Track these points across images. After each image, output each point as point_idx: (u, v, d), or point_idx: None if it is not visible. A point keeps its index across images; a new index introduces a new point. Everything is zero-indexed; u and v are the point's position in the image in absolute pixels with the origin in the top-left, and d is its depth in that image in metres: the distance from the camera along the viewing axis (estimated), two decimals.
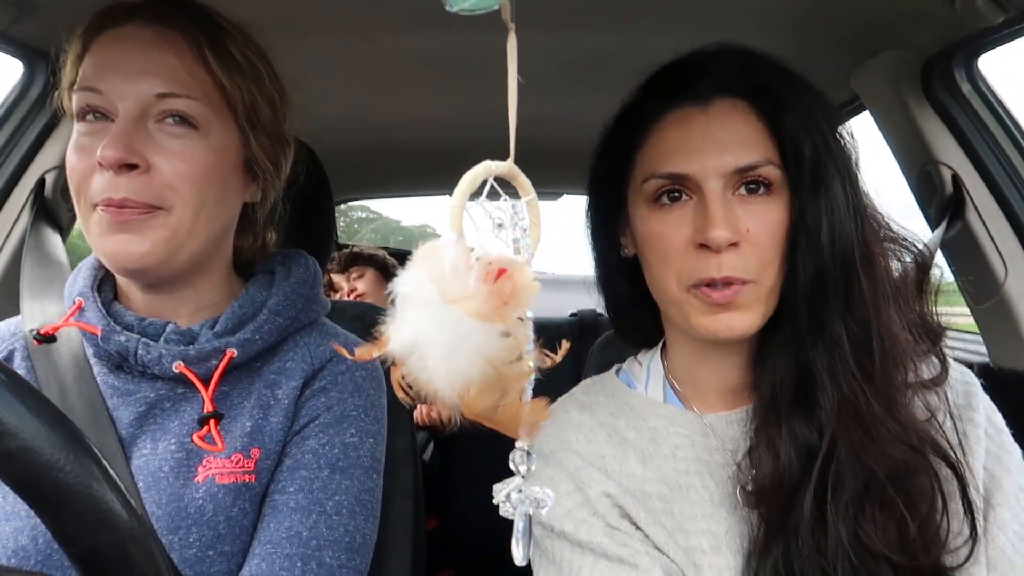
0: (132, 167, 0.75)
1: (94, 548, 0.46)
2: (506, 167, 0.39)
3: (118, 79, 0.77)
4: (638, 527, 0.75)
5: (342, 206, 3.42)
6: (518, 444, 0.39)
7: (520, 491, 0.40)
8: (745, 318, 0.72)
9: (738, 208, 0.72)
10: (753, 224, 0.72)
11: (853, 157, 0.76)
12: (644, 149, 0.78)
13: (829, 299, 0.71)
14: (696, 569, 0.73)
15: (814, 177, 0.72)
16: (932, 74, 1.23)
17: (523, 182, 0.40)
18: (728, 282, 0.71)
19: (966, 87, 1.23)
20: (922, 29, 1.15)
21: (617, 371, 0.90)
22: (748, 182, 0.73)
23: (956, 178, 1.24)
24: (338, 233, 2.90)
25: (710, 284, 0.71)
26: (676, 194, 0.75)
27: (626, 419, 0.82)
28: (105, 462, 0.48)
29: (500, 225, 0.38)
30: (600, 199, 0.87)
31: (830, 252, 0.71)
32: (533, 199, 0.40)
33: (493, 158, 0.38)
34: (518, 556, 0.40)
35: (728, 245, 0.70)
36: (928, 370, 0.77)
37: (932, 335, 0.78)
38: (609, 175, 0.83)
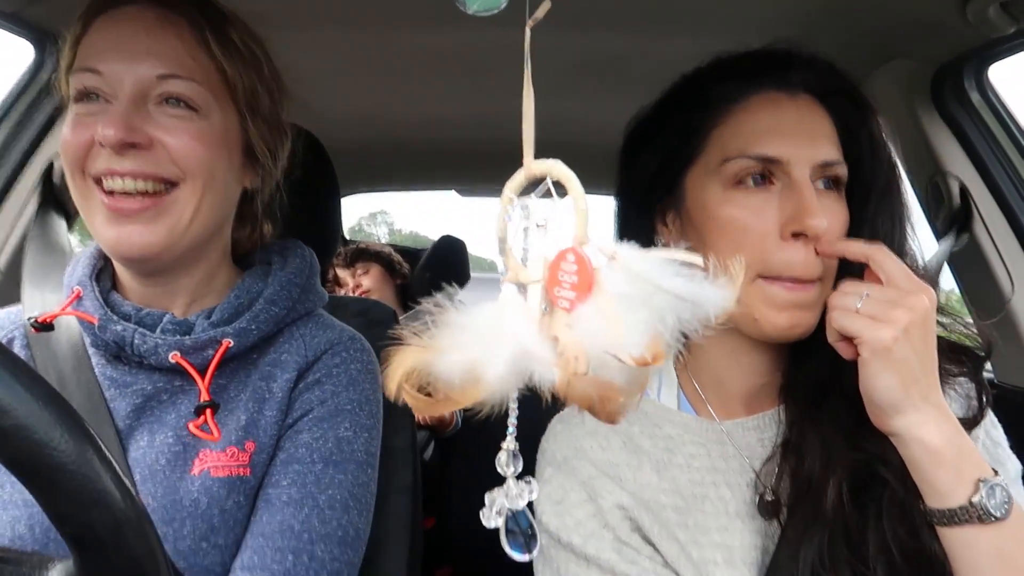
0: (134, 146, 0.75)
1: (88, 527, 0.46)
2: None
3: (118, 60, 0.76)
4: (649, 541, 0.74)
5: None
6: (504, 445, 0.39)
7: (507, 495, 0.39)
8: (809, 317, 0.72)
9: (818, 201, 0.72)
10: (829, 220, 0.71)
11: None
12: (723, 128, 0.76)
13: None
14: None
15: (885, 191, 0.75)
16: (943, 84, 1.23)
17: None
18: (808, 280, 0.71)
19: (976, 97, 1.22)
20: (933, 39, 1.15)
21: None
22: (827, 177, 0.73)
23: (964, 190, 1.23)
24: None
25: (792, 279, 0.71)
26: (760, 178, 0.73)
27: (640, 426, 0.80)
28: (100, 441, 0.48)
29: (540, 225, 0.38)
30: (638, 183, 0.85)
31: None
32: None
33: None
34: (519, 554, 0.39)
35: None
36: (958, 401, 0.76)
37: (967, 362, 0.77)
38: (666, 156, 0.80)
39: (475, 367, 0.36)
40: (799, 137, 0.72)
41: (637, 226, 0.85)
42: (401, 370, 0.37)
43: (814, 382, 0.75)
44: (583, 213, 0.37)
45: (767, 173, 0.73)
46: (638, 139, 0.86)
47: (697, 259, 0.37)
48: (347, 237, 2.91)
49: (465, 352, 0.36)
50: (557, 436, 0.81)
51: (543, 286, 0.37)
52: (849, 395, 0.69)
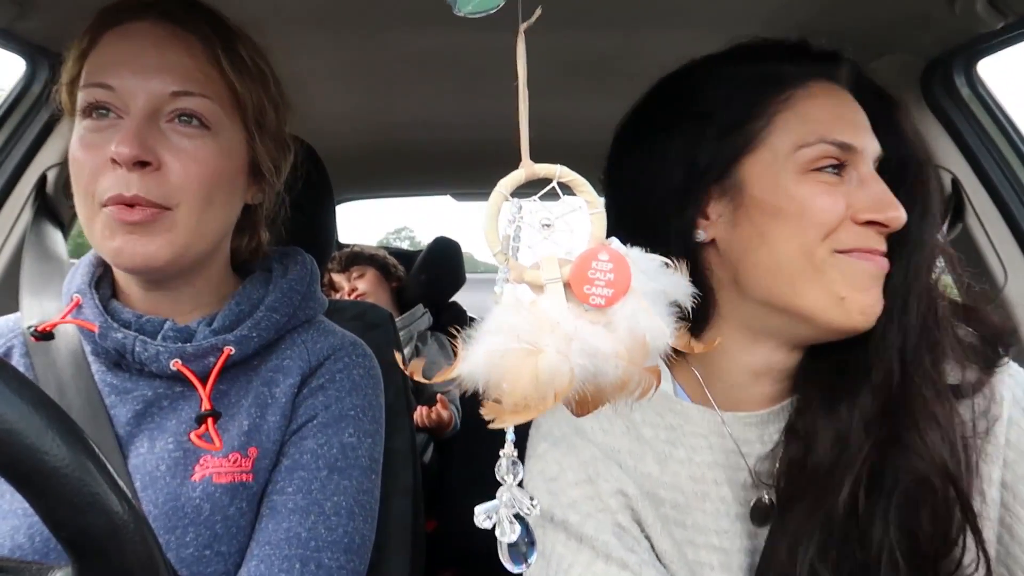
0: (144, 164, 0.75)
1: (84, 532, 0.46)
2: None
3: (131, 75, 0.76)
4: (646, 535, 0.72)
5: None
6: (503, 452, 0.40)
7: (508, 502, 0.40)
8: (881, 297, 0.71)
9: None
10: None
11: None
12: (787, 114, 0.71)
13: (916, 304, 0.71)
14: None
15: (924, 195, 0.74)
16: (932, 78, 1.23)
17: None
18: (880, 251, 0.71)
19: (966, 92, 1.23)
20: (923, 34, 1.16)
21: None
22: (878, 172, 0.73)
23: (956, 182, 1.24)
24: None
25: (869, 250, 0.70)
26: (835, 168, 0.71)
27: (642, 413, 0.78)
28: (93, 444, 0.47)
29: (547, 225, 0.40)
30: (663, 176, 0.75)
31: (920, 261, 0.72)
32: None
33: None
34: (513, 565, 0.40)
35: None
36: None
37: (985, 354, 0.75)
38: (716, 142, 0.73)
39: (558, 367, 0.37)
40: (861, 128, 0.72)
41: (667, 223, 0.75)
42: (522, 386, 0.37)
43: (836, 370, 0.73)
44: (600, 215, 0.40)
45: (841, 163, 0.71)
46: (654, 130, 0.78)
47: (669, 260, 0.41)
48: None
49: (551, 353, 0.37)
50: (555, 414, 0.78)
51: (564, 284, 0.39)
52: (878, 386, 0.68)
